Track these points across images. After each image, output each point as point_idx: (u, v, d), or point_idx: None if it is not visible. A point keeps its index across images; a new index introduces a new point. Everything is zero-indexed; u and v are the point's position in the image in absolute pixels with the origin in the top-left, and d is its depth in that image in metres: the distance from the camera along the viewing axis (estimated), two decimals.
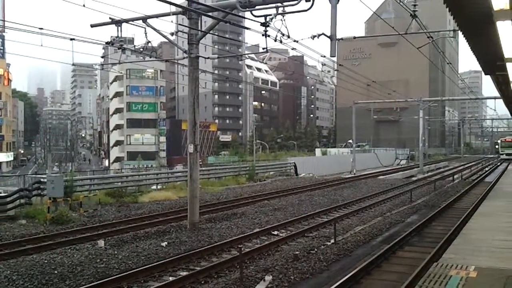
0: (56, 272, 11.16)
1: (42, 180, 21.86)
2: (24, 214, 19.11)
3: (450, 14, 10.20)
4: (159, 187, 30.07)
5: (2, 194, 19.84)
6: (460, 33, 11.72)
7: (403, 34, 20.37)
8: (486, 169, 54.12)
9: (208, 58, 22.11)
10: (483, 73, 16.97)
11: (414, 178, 42.91)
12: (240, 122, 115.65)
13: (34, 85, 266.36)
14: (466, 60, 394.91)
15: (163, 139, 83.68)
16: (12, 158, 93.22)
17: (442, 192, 29.17)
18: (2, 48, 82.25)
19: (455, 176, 40.03)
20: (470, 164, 63.66)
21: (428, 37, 21.23)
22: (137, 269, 11.31)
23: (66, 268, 11.50)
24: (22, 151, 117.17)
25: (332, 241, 14.49)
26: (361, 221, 18.75)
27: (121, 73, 74.22)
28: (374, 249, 13.74)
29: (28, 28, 15.77)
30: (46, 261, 12.02)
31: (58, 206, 19.46)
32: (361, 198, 25.99)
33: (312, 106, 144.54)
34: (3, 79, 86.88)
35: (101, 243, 14.10)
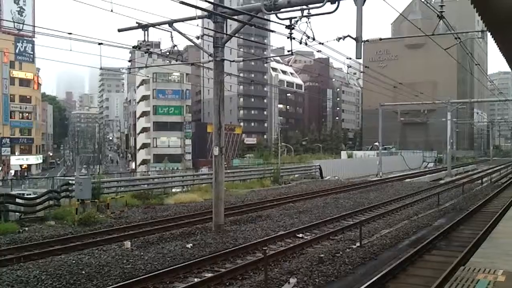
0: (83, 272, 11.35)
1: (70, 182, 22.24)
2: (53, 215, 19.47)
3: (477, 14, 10.07)
4: (184, 189, 30.27)
5: (32, 196, 20.25)
6: (488, 33, 11.56)
7: (430, 35, 20.12)
8: None
9: (233, 61, 22.16)
10: None
11: (441, 181, 42.30)
12: (265, 124, 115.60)
13: (62, 89, 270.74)
14: (495, 61, 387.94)
15: (188, 142, 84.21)
16: (41, 161, 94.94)
17: (470, 195, 28.69)
18: (32, 53, 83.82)
19: (484, 179, 39.33)
20: (499, 167, 62.46)
21: (455, 38, 20.95)
22: (162, 270, 11.43)
23: (94, 268, 11.68)
24: (51, 154, 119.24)
25: (358, 244, 14.38)
26: (387, 224, 18.58)
27: (147, 76, 75.13)
28: (401, 252, 13.60)
29: (57, 33, 16.08)
30: (74, 262, 12.23)
31: (85, 208, 19.75)
32: (387, 201, 25.74)
33: (338, 108, 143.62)
34: (33, 83, 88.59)
35: (127, 244, 14.27)
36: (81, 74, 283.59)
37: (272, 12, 14.69)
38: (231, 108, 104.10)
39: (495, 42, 12.04)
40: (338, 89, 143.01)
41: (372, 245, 14.40)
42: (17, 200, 19.06)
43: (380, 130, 49.91)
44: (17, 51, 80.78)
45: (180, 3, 11.47)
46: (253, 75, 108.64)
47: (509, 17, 9.61)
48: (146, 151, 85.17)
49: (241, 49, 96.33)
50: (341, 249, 13.85)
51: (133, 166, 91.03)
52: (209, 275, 11.39)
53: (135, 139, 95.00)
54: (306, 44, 14.65)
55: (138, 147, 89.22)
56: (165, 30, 17.00)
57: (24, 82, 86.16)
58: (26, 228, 17.09)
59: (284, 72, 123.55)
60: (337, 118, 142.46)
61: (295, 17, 13.89)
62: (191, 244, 14.46)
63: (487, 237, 13.04)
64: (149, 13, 18.80)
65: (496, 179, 42.92)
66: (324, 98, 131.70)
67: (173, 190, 29.70)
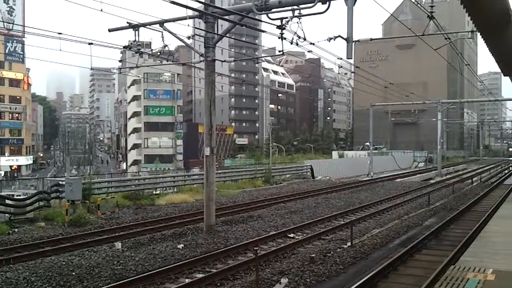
0: (74, 273, 11.28)
1: (60, 183, 22.07)
2: (43, 216, 19.33)
3: (467, 15, 10.14)
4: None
5: (22, 197, 20.11)
6: (478, 34, 11.64)
7: (421, 35, 20.21)
8: (506, 171, 53.41)
9: (224, 61, 22.11)
10: (502, 74, 16.80)
11: (432, 181, 42.52)
12: (257, 125, 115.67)
13: (53, 89, 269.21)
14: (485, 61, 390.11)
15: (180, 142, 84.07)
16: (31, 162, 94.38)
17: (460, 195, 28.85)
18: (22, 53, 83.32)
19: (474, 179, 39.57)
20: (489, 167, 62.91)
21: (446, 39, 21.06)
22: (153, 271, 11.39)
23: (84, 269, 11.61)
24: (41, 155, 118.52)
25: (349, 244, 14.42)
26: (378, 224, 18.64)
27: (138, 77, 74.87)
28: (391, 252, 13.65)
29: (47, 33, 15.97)
30: (64, 263, 12.15)
31: (76, 209, 19.64)
32: (378, 201, 25.83)
33: (329, 108, 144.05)
34: (23, 84, 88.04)
35: (118, 245, 14.22)
36: (72, 74, 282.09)
37: (263, 12, 14.68)
38: (222, 108, 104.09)
39: (485, 43, 12.12)
40: (329, 89, 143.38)
41: (363, 244, 14.44)
42: (7, 201, 18.93)
43: (371, 130, 50.08)
44: (6, 51, 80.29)
45: (171, 2, 11.42)
46: (244, 75, 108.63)
47: (499, 19, 9.69)
48: (137, 152, 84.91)
49: (233, 49, 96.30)
50: (332, 249, 13.88)
51: (124, 167, 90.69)
52: (200, 275, 11.37)
53: (126, 140, 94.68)
54: (297, 44, 14.65)
55: (129, 147, 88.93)
56: (156, 30, 16.96)
57: (14, 82, 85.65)
58: (16, 230, 16.96)
59: (275, 72, 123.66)
60: (328, 118, 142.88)
61: (286, 17, 13.88)
62: (182, 245, 14.42)
63: (477, 236, 13.13)
64: (140, 13, 18.75)
65: (486, 178, 43.18)
66: (315, 98, 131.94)
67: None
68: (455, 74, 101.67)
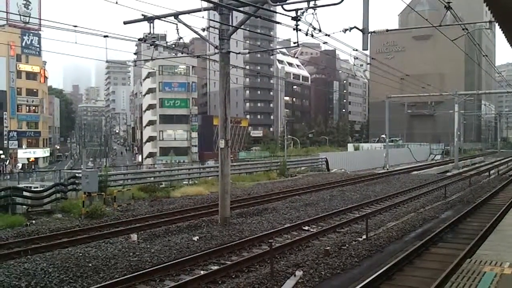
0: (90, 264, 11.40)
1: (77, 175, 22.31)
2: (60, 208, 19.56)
3: (485, 5, 9.97)
4: (185, 182, 30.08)
5: (39, 189, 20.33)
6: (496, 24, 11.45)
7: (438, 26, 19.92)
8: None
9: (239, 53, 22.09)
10: None
11: (448, 174, 42.16)
12: (272, 117, 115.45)
13: (69, 82, 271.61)
14: (504, 52, 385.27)
15: (195, 134, 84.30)
16: (48, 154, 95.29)
17: (477, 187, 28.56)
18: (38, 46, 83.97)
19: (491, 172, 39.15)
20: (506, 160, 62.20)
21: (463, 29, 20.74)
22: (169, 263, 11.46)
23: (100, 261, 11.72)
24: (58, 147, 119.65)
25: (364, 236, 14.35)
26: (394, 217, 18.53)
27: (153, 69, 75.08)
28: (407, 245, 13.57)
29: (63, 26, 16.05)
30: (81, 254, 12.28)
31: (92, 201, 19.83)
32: (394, 193, 25.67)
33: (344, 100, 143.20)
34: (40, 77, 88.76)
35: (134, 237, 14.31)
36: (88, 67, 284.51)
37: (278, 3, 14.59)
38: (237, 100, 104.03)
39: (503, 33, 11.93)
40: (344, 81, 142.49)
41: (378, 237, 14.37)
42: (24, 193, 19.16)
43: (387, 122, 49.71)
44: (23, 44, 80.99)
45: None
46: (259, 68, 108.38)
47: None
48: (153, 144, 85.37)
49: (247, 41, 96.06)
50: (347, 242, 13.83)
51: (140, 159, 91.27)
52: (215, 267, 11.42)
53: (141, 132, 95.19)
54: (312, 35, 14.55)
55: (144, 140, 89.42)
56: (170, 22, 16.94)
57: (31, 75, 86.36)
58: (33, 221, 17.19)
59: (290, 64, 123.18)
60: (343, 110, 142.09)
61: (301, 9, 13.76)
62: (197, 237, 14.49)
63: (494, 229, 12.99)
64: (155, 5, 18.76)
65: (503, 171, 42.72)
66: (330, 90, 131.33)
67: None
68: (472, 66, 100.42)
